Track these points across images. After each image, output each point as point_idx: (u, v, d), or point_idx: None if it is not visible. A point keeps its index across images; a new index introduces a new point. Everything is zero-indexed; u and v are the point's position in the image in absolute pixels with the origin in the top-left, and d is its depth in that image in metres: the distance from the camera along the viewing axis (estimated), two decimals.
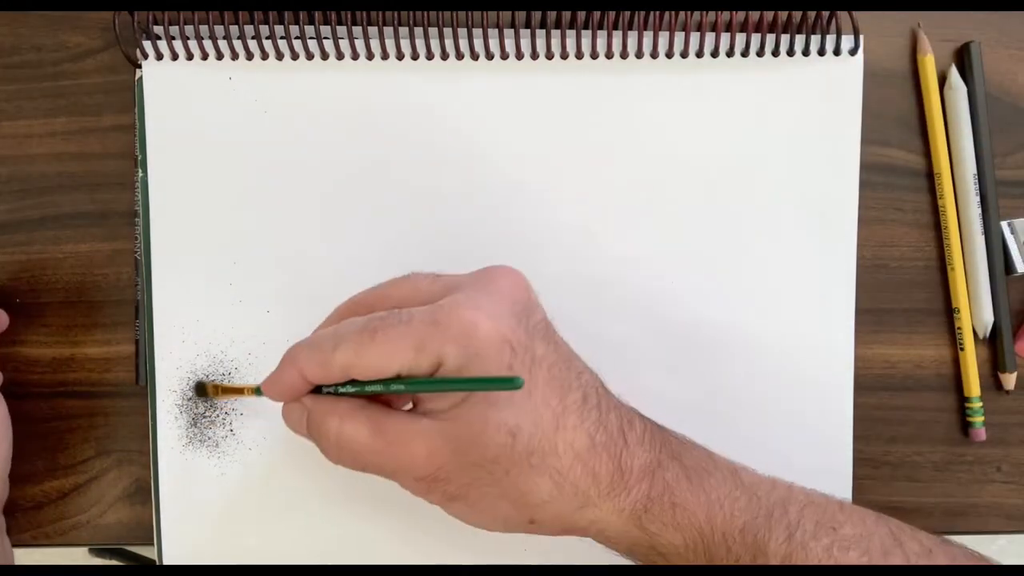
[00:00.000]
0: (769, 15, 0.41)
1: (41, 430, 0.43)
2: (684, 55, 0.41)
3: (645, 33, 0.41)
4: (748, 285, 0.42)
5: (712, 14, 0.41)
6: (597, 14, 0.40)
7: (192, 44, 0.40)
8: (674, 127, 0.42)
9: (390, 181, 0.42)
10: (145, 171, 0.41)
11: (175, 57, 0.41)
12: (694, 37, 0.41)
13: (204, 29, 0.41)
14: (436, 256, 0.41)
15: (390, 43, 0.41)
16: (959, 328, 0.44)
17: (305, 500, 0.42)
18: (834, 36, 0.41)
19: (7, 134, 0.43)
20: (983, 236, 0.43)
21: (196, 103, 0.41)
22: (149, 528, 0.42)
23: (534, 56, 0.41)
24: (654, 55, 0.41)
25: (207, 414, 0.42)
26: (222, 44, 0.40)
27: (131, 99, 0.42)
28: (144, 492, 0.43)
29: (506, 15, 0.41)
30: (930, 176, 0.44)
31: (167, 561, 0.42)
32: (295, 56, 0.41)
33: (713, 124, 0.42)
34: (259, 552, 0.42)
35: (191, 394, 0.41)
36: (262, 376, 0.40)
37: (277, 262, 0.42)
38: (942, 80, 0.44)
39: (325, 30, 0.40)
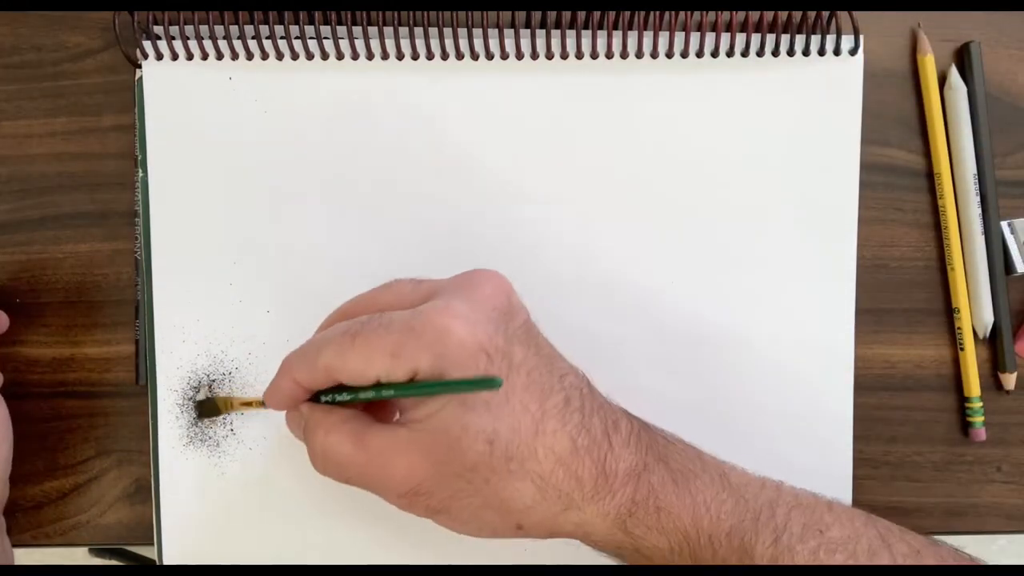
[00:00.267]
0: (769, 15, 0.41)
1: (41, 430, 0.43)
2: (684, 55, 0.41)
3: (645, 33, 0.41)
4: (748, 285, 0.42)
5: (712, 14, 0.41)
6: (597, 14, 0.40)
7: (192, 44, 0.40)
8: (674, 127, 0.42)
9: (390, 181, 0.42)
10: (145, 171, 0.41)
11: (175, 57, 0.41)
12: (694, 37, 0.41)
13: (204, 29, 0.41)
14: (436, 256, 0.42)
15: (390, 43, 0.41)
16: (959, 328, 0.44)
17: (305, 500, 0.42)
18: (834, 36, 0.41)
19: (7, 134, 0.43)
20: (983, 236, 0.43)
21: (196, 103, 0.41)
22: (149, 528, 0.42)
23: (534, 56, 0.41)
24: (654, 55, 0.41)
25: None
26: (222, 44, 0.40)
27: (131, 99, 0.42)
28: (144, 492, 0.43)
29: (506, 15, 0.41)
30: (930, 176, 0.44)
31: (167, 561, 0.42)
32: (295, 56, 0.41)
33: (713, 124, 0.42)
34: (259, 552, 0.42)
35: (194, 401, 0.41)
36: (262, 376, 0.40)
37: (277, 262, 0.42)
38: (942, 80, 0.44)
39: (325, 30, 0.40)
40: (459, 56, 0.41)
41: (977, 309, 0.43)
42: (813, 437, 0.42)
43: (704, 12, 0.40)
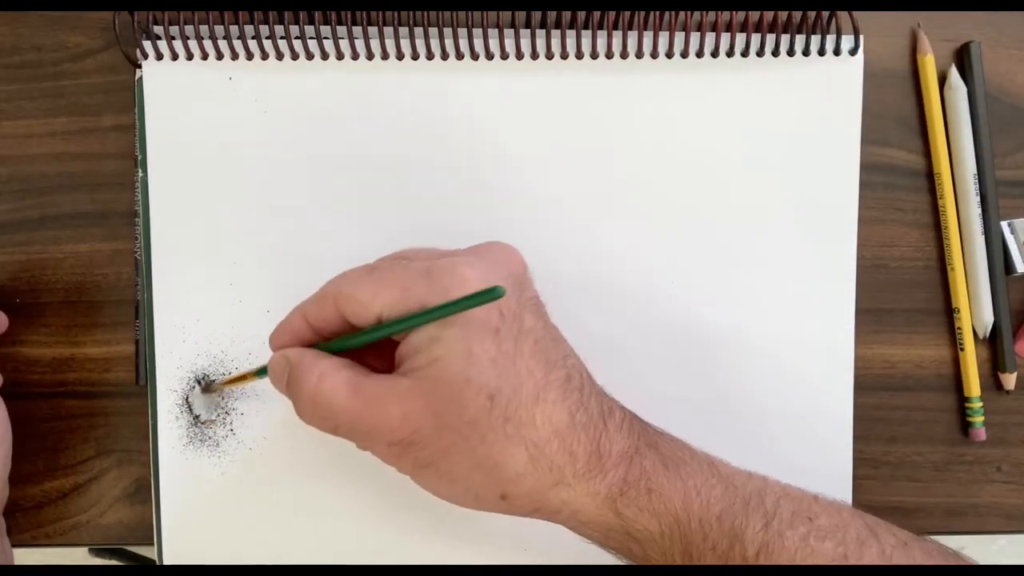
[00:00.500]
0: (769, 15, 0.41)
1: (41, 430, 0.43)
2: (684, 55, 0.41)
3: (645, 33, 0.41)
4: (748, 285, 0.42)
5: (712, 14, 0.41)
6: (597, 14, 0.40)
7: (192, 44, 0.40)
8: (674, 127, 0.42)
9: (390, 180, 0.42)
10: (145, 171, 0.41)
11: (175, 57, 0.41)
12: (694, 37, 0.41)
13: (204, 29, 0.41)
14: None
15: (390, 43, 0.41)
16: (959, 328, 0.44)
17: (305, 500, 0.42)
18: (834, 36, 0.41)
19: (7, 134, 0.43)
20: (983, 236, 0.43)
21: (196, 103, 0.41)
22: (149, 528, 0.42)
23: (534, 56, 0.41)
24: (654, 55, 0.41)
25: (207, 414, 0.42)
26: (222, 44, 0.40)
27: (131, 99, 0.42)
28: (144, 492, 0.43)
29: (506, 15, 0.41)
30: (930, 176, 0.44)
31: (167, 561, 0.42)
32: (295, 56, 0.41)
33: (713, 124, 0.42)
34: (259, 552, 0.42)
35: (195, 391, 0.41)
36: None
37: (277, 262, 0.42)
38: (942, 80, 0.44)
39: (325, 30, 0.40)
40: (459, 56, 0.41)
41: (977, 309, 0.43)
42: (813, 437, 0.42)
43: (704, 12, 0.40)
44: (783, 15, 0.41)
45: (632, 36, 0.41)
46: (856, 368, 0.43)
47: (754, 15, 0.41)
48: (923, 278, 0.44)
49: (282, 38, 0.41)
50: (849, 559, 0.32)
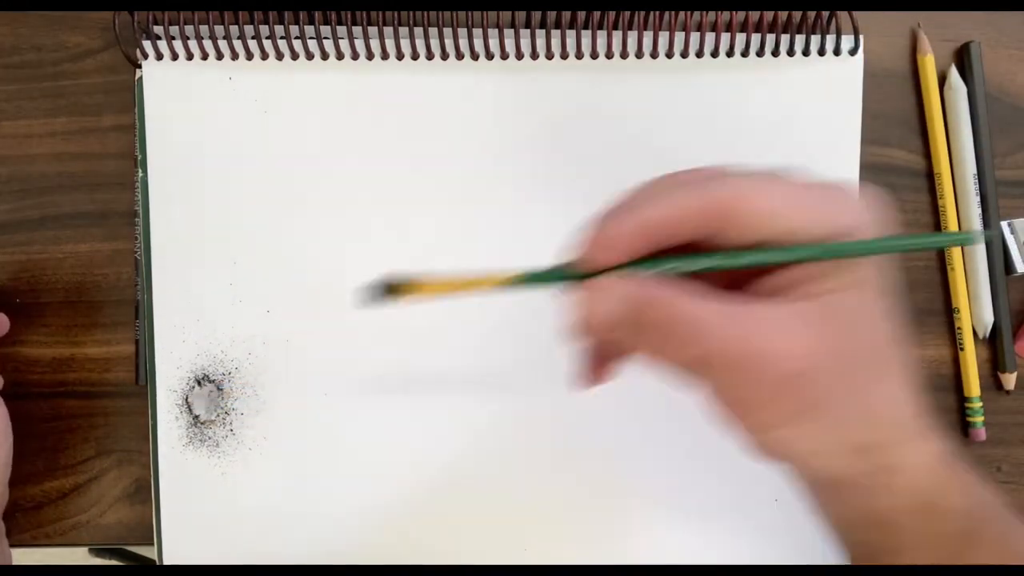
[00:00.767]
0: (769, 15, 0.41)
1: (41, 430, 0.43)
2: (684, 55, 0.41)
3: (645, 33, 0.41)
4: None
5: (712, 14, 0.41)
6: (597, 14, 0.40)
7: (192, 44, 0.40)
8: (674, 127, 0.42)
9: (390, 181, 0.42)
10: (145, 171, 0.41)
11: (175, 57, 0.41)
12: (694, 37, 0.41)
13: (204, 29, 0.41)
14: (436, 255, 0.41)
15: (390, 43, 0.41)
16: (959, 328, 0.44)
17: (305, 500, 0.42)
18: (834, 36, 0.41)
19: (7, 134, 0.43)
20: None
21: (196, 103, 0.41)
22: (149, 528, 0.42)
23: (534, 56, 0.41)
24: (654, 55, 0.41)
25: (207, 414, 0.42)
26: (222, 44, 0.40)
27: (131, 99, 0.42)
28: (144, 492, 0.43)
29: (506, 15, 0.41)
30: (930, 176, 0.44)
31: (167, 561, 0.42)
32: (295, 56, 0.41)
33: (713, 124, 0.42)
34: (259, 552, 0.42)
35: (195, 391, 0.41)
36: (262, 376, 0.40)
37: (277, 262, 0.42)
38: (942, 80, 0.44)
39: (325, 30, 0.40)
40: (459, 56, 0.41)
41: (977, 309, 0.43)
42: None
43: (704, 12, 0.40)
44: (783, 15, 0.41)
45: (631, 36, 0.41)
46: None
47: (754, 15, 0.41)
48: (923, 278, 0.44)
49: (282, 38, 0.41)
50: None
